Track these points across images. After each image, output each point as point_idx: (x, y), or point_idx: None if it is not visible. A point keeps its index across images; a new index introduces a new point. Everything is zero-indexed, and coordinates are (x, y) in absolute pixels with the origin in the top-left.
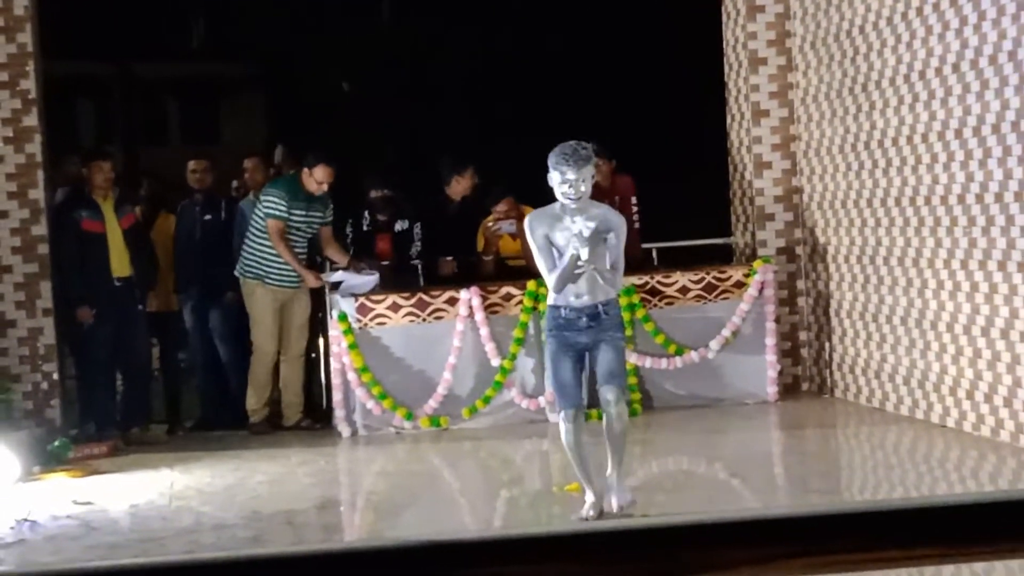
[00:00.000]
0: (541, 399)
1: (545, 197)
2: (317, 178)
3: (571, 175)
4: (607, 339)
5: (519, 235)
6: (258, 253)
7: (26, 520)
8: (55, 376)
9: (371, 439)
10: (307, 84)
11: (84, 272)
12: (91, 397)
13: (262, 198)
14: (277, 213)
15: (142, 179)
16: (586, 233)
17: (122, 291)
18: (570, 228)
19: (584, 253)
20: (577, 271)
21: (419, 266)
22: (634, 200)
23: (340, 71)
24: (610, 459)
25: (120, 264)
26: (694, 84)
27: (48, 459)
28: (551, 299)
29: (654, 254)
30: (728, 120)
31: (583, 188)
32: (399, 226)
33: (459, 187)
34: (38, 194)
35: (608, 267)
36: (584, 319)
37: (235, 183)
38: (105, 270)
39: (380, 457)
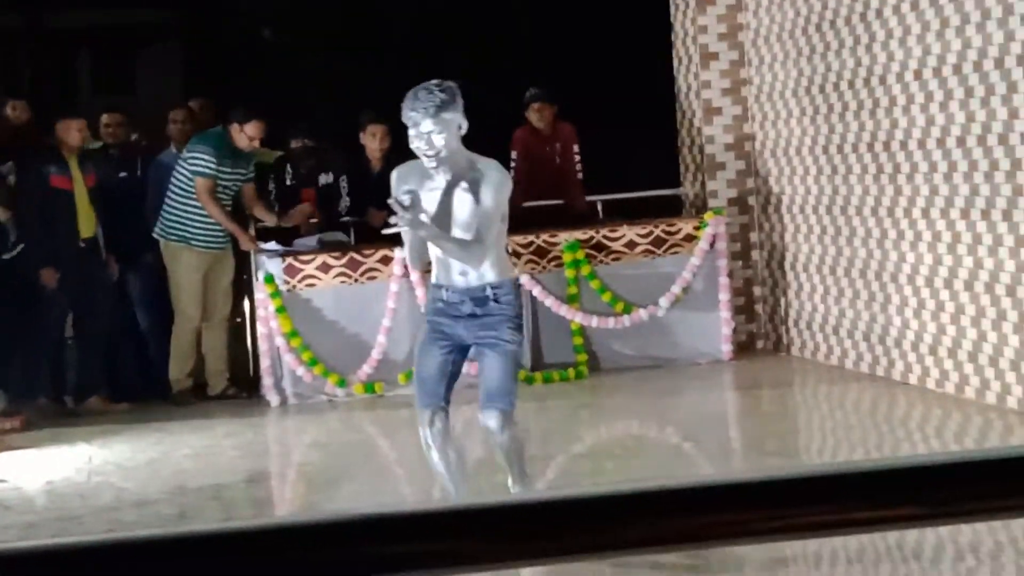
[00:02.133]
0: None
1: (485, 149)
2: (249, 134)
3: (424, 125)
4: (491, 342)
5: None
6: (183, 213)
7: None
8: None
9: (302, 408)
10: (226, 32)
11: (51, 232)
12: (35, 365)
13: (187, 154)
14: (206, 171)
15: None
16: (436, 191)
17: (87, 252)
18: (438, 188)
19: (403, 217)
20: (388, 232)
21: (349, 223)
22: (576, 148)
23: (261, 18)
24: (509, 477)
25: (86, 224)
26: (638, 25)
27: None
28: (433, 276)
29: (599, 207)
30: (675, 64)
31: (440, 142)
32: (323, 179)
33: (370, 142)
34: None
35: (472, 236)
36: (468, 303)
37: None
38: (73, 230)
39: (312, 427)
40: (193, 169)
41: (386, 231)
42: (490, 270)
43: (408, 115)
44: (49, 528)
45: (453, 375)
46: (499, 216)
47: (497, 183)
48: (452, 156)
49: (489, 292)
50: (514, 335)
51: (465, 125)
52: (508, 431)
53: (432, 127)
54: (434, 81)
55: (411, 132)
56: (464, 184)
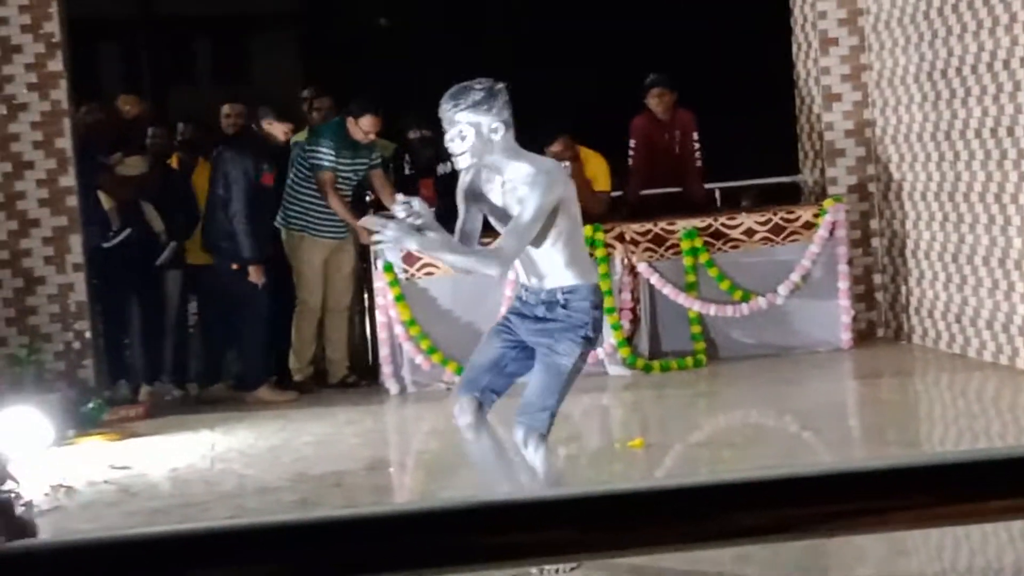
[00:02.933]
0: (599, 351)
1: (604, 136)
2: (364, 128)
3: (451, 123)
4: (543, 351)
5: (575, 177)
6: (304, 203)
7: (61, 486)
8: (87, 335)
9: (420, 396)
10: (341, 20)
11: (256, 228)
12: (257, 353)
13: (307, 147)
14: (325, 163)
15: (179, 123)
16: (493, 192)
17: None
18: (494, 189)
19: (385, 234)
20: (378, 249)
21: None
22: (696, 136)
23: (375, 6)
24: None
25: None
26: (757, 12)
27: (82, 422)
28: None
29: (717, 195)
30: (794, 50)
31: (463, 142)
32: (441, 169)
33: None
34: (65, 143)
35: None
36: (541, 307)
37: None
38: (269, 224)
39: (430, 415)
40: (313, 162)
41: (375, 247)
42: (564, 272)
43: (440, 111)
44: (174, 514)
45: (509, 374)
46: (540, 219)
47: (543, 186)
48: (483, 157)
49: (560, 297)
50: (570, 348)
51: (501, 129)
52: (534, 449)
53: (458, 126)
54: (477, 80)
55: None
56: (511, 186)
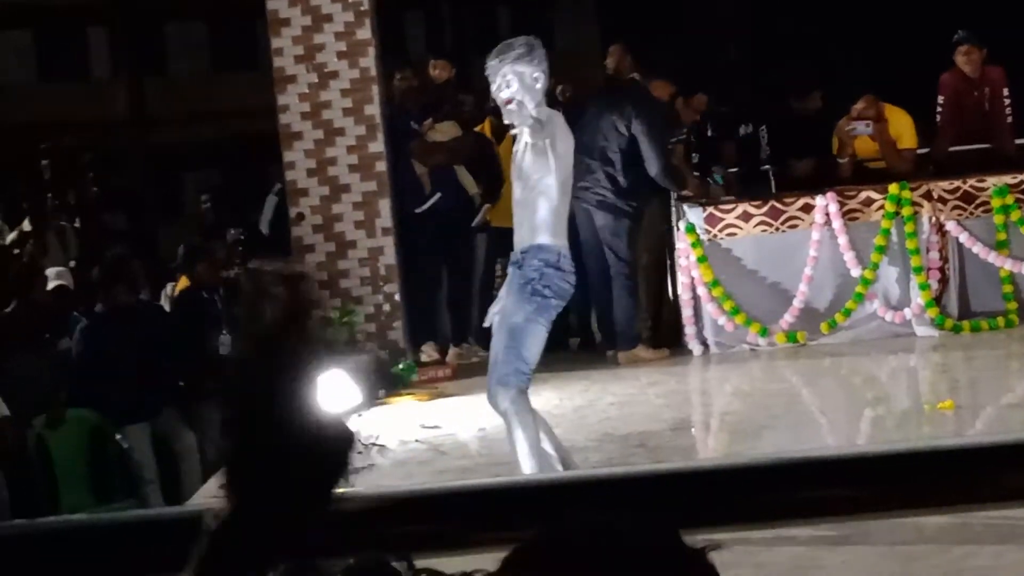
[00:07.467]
0: (907, 311)
1: (906, 96)
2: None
3: (492, 78)
4: (505, 311)
5: (878, 136)
6: None
7: (374, 444)
8: (397, 297)
9: (724, 357)
10: None
11: None
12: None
13: None
14: None
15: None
16: None
17: None
18: None
19: None
20: None
21: (769, 172)
22: (1006, 92)
23: None
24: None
25: None
26: None
27: (393, 382)
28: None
29: None
30: None
31: (507, 92)
32: (742, 130)
33: (807, 105)
34: (374, 110)
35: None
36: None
37: (559, 87)
38: None
39: (734, 376)
40: None
41: None
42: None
43: (487, 68)
44: (483, 472)
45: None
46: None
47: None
48: (528, 105)
49: (520, 256)
50: (525, 307)
51: (542, 78)
52: (506, 414)
53: (505, 77)
54: (518, 38)
55: None
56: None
